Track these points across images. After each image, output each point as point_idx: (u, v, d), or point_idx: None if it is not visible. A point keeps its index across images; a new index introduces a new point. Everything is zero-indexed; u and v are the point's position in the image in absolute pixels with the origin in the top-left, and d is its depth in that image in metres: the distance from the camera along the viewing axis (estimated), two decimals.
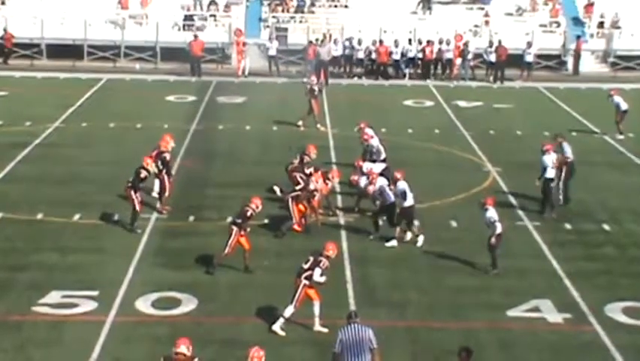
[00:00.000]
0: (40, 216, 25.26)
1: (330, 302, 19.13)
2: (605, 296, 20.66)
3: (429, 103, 41.59)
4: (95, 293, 20.28)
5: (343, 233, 24.33)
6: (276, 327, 18.60)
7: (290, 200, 24.24)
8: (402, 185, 23.65)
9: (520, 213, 26.14)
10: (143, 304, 19.89)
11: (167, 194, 25.59)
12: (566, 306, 20.20)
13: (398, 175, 23.98)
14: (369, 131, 29.12)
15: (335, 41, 47.34)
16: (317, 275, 18.52)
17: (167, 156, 25.76)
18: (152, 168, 24.69)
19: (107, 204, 25.78)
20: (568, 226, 25.26)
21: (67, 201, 26.37)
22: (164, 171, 25.50)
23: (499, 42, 46.85)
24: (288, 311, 18.56)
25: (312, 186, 24.23)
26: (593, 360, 17.97)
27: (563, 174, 26.56)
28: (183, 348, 14.61)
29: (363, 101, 41.47)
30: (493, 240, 21.67)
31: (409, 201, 23.53)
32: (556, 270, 22.22)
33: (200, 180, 28.84)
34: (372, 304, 19.85)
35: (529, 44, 47.41)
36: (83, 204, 26.00)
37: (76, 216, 25.22)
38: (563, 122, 37.84)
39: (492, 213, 21.87)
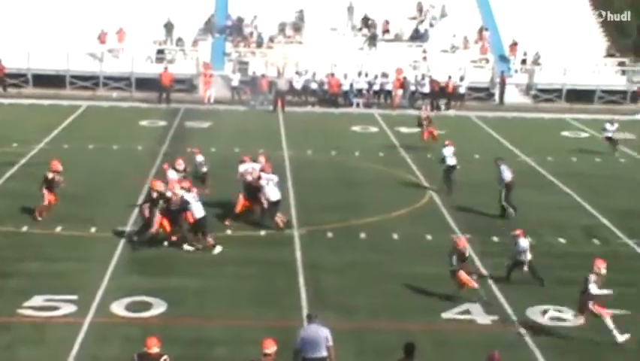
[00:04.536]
0: (25, 228, 24.98)
1: (285, 306, 19.09)
2: (527, 301, 20.80)
3: (374, 129, 41.75)
4: (74, 297, 20.06)
5: (297, 243, 24.32)
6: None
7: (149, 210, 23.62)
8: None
9: (454, 226, 26.28)
10: (118, 308, 19.71)
11: (45, 204, 25.31)
12: (493, 309, 20.32)
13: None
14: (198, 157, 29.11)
15: (299, 74, 47.54)
16: None
17: (51, 175, 25.50)
18: (161, 188, 23.80)
19: (85, 217, 25.56)
20: (495, 239, 25.42)
21: (50, 215, 26.07)
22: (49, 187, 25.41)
23: (430, 77, 47.55)
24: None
25: (154, 195, 23.57)
26: (517, 358, 18.05)
27: (503, 193, 27.12)
28: (155, 349, 14.54)
29: (316, 126, 41.55)
30: (525, 268, 21.65)
31: (198, 214, 23.37)
32: (485, 277, 22.35)
33: None
34: (323, 308, 19.74)
35: (462, 78, 47.93)
36: (63, 218, 25.73)
37: (58, 229, 24.97)
38: (492, 147, 38.14)
39: (524, 242, 21.83)
